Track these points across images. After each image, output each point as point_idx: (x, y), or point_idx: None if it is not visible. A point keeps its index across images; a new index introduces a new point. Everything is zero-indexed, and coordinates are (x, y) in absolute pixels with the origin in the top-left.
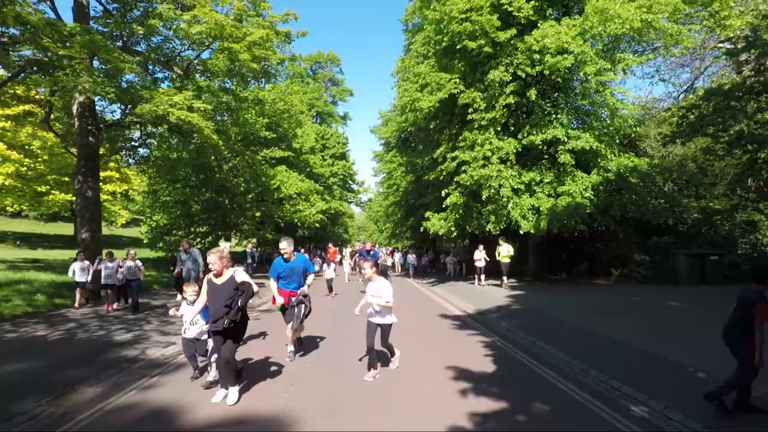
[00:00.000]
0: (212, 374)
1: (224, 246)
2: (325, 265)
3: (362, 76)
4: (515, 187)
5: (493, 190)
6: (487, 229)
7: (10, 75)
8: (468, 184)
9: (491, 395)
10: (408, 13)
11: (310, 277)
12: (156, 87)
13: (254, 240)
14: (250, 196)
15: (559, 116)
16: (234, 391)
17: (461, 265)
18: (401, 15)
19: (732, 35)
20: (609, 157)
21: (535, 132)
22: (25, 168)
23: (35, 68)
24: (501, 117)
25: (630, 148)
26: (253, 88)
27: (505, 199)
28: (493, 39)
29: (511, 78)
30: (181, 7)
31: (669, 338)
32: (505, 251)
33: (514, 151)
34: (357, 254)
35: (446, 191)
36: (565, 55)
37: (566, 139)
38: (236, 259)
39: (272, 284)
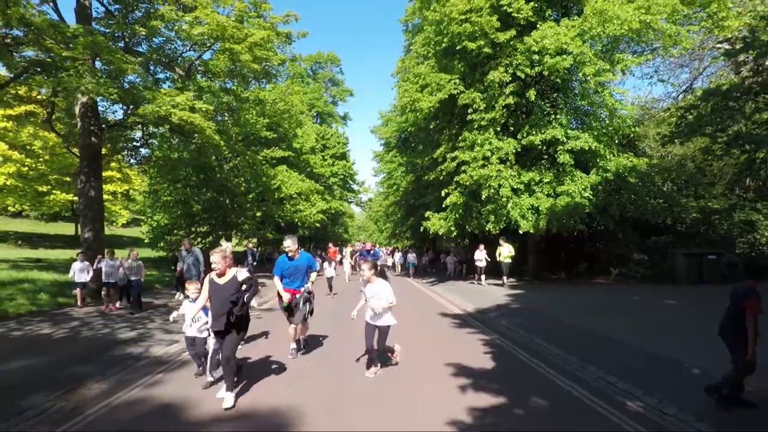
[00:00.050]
0: (210, 375)
1: (226, 246)
2: (325, 264)
3: (362, 76)
4: (515, 186)
5: (492, 190)
6: (487, 229)
7: (12, 76)
8: (468, 184)
9: (490, 391)
10: (408, 14)
11: (313, 275)
12: (158, 88)
13: (254, 240)
14: (250, 195)
15: (558, 116)
16: (230, 396)
17: (462, 265)
18: (401, 15)
19: (730, 36)
20: (608, 157)
21: (534, 132)
22: (26, 168)
23: (39, 69)
24: (500, 117)
25: (629, 148)
26: (253, 89)
27: (504, 199)
28: (492, 40)
29: (510, 78)
30: (183, 8)
31: (666, 337)
32: (506, 251)
33: (514, 151)
34: (357, 253)
35: (446, 191)
36: (564, 56)
37: (565, 140)
38: (237, 259)
39: (277, 282)
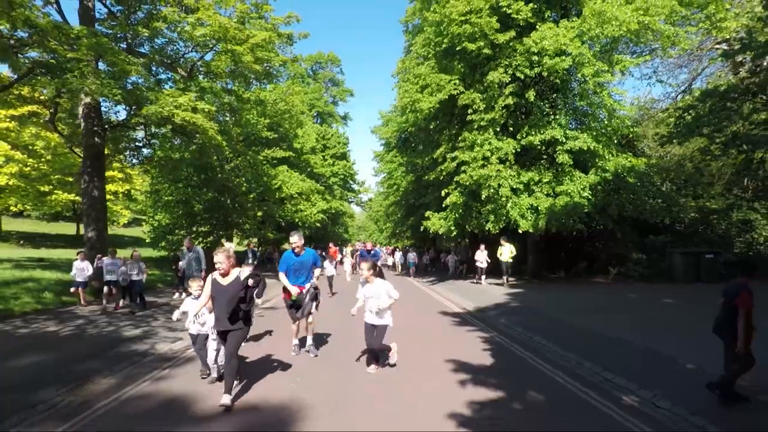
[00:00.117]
0: (214, 372)
1: (229, 246)
2: (326, 263)
3: (363, 76)
4: (514, 186)
5: (492, 190)
6: (487, 229)
7: (17, 77)
8: (467, 183)
9: (489, 386)
10: (408, 15)
11: (317, 271)
12: (160, 88)
13: (255, 239)
14: (251, 195)
15: (557, 117)
16: (228, 397)
17: (463, 265)
18: (401, 16)
19: (728, 37)
20: (607, 157)
21: (533, 132)
22: (28, 168)
23: (43, 70)
24: (500, 118)
25: (628, 148)
26: (254, 89)
27: (504, 199)
28: (492, 41)
29: (510, 79)
30: (185, 10)
31: (663, 335)
32: (507, 251)
33: (513, 151)
34: (358, 253)
35: (446, 191)
36: (564, 57)
37: (564, 140)
38: (238, 258)
39: (283, 278)
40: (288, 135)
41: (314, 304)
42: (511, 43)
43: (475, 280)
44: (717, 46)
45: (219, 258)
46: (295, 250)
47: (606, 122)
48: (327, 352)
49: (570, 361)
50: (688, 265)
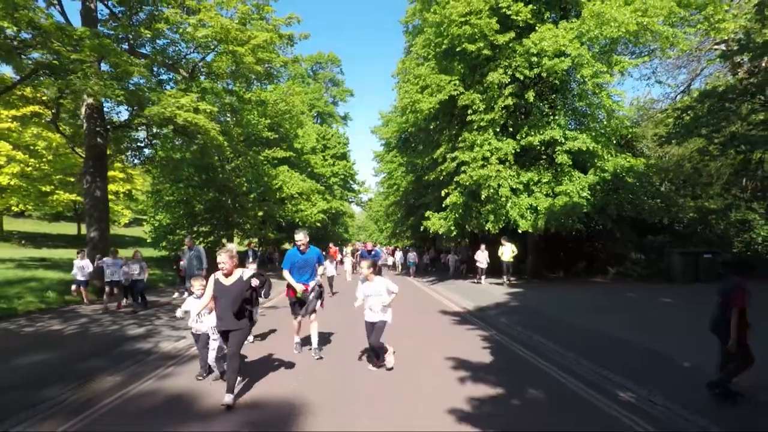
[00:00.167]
0: (216, 369)
1: (232, 246)
2: (327, 262)
3: (363, 76)
4: (514, 186)
5: (492, 190)
6: (486, 229)
7: (19, 78)
8: (467, 184)
9: (489, 383)
10: (408, 15)
11: (321, 269)
12: (162, 89)
13: (255, 239)
14: (252, 195)
15: (556, 117)
16: (230, 396)
17: (463, 265)
18: (402, 16)
19: (727, 38)
20: (606, 157)
21: (533, 133)
22: (30, 168)
23: (47, 72)
24: (500, 118)
25: (627, 148)
26: (255, 89)
27: (503, 199)
28: (492, 42)
29: (509, 80)
30: (187, 11)
31: (661, 334)
32: (508, 251)
33: (513, 151)
34: (358, 253)
35: (446, 191)
36: (563, 58)
37: (563, 140)
38: (240, 259)
39: (287, 275)
40: (288, 135)
41: (318, 301)
42: (510, 44)
43: (475, 280)
44: (716, 46)
45: (222, 258)
46: (300, 248)
47: (605, 123)
48: (328, 351)
49: (569, 359)
50: (687, 264)
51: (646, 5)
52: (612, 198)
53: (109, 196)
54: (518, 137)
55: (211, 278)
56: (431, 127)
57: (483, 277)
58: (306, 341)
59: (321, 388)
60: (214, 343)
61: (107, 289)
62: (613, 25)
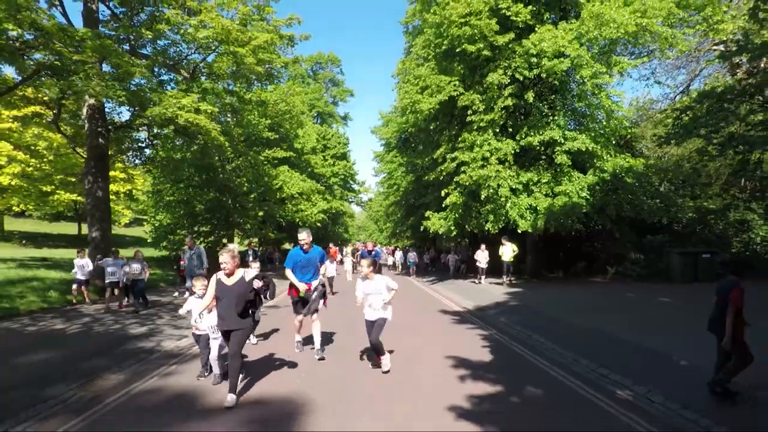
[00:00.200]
0: (217, 369)
1: (233, 246)
2: (327, 262)
3: (363, 77)
4: (513, 187)
5: (491, 190)
6: (486, 228)
7: (21, 78)
8: (467, 184)
9: (488, 380)
10: (408, 16)
11: (323, 268)
12: (162, 89)
13: (256, 239)
14: (252, 195)
15: (556, 118)
16: (232, 396)
17: (463, 265)
18: (402, 16)
19: (725, 38)
20: (605, 157)
21: (532, 133)
22: (31, 168)
23: (49, 72)
24: (499, 119)
25: (627, 148)
26: (255, 90)
27: (503, 199)
28: (491, 43)
29: (509, 81)
30: (188, 12)
31: (660, 333)
32: (509, 251)
33: (512, 152)
34: (359, 253)
35: (446, 191)
36: (562, 59)
37: (563, 141)
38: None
39: (290, 274)
40: (289, 135)
41: (322, 301)
42: (510, 45)
43: (475, 280)
44: (715, 47)
45: (224, 258)
46: (304, 247)
47: (604, 123)
48: (329, 350)
49: (567, 358)
50: (686, 264)
51: (645, 6)
52: (611, 198)
53: (110, 196)
54: (518, 138)
55: (213, 278)
56: (431, 127)
57: (483, 276)
58: (308, 341)
59: (322, 387)
60: (215, 342)
61: (108, 290)
62: (612, 26)
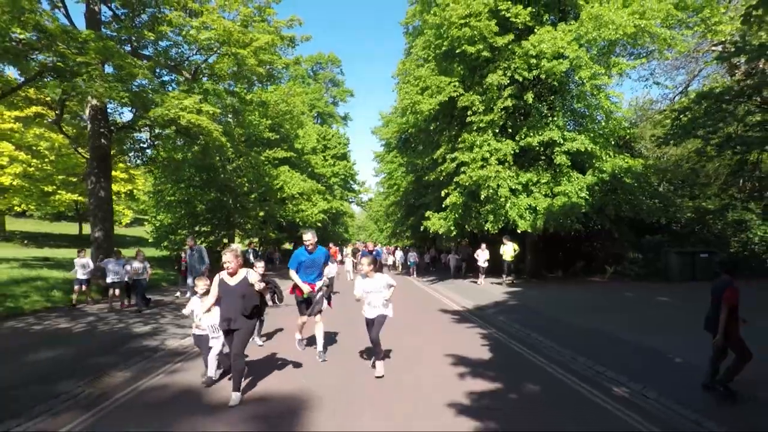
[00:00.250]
0: (211, 371)
1: (236, 246)
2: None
3: (363, 77)
4: (513, 187)
5: (491, 191)
6: (486, 228)
7: (24, 79)
8: (467, 184)
9: (487, 378)
10: (408, 17)
11: (327, 268)
12: (164, 91)
13: (256, 239)
14: (253, 196)
15: (555, 119)
16: (237, 395)
17: (464, 264)
18: (402, 17)
19: (724, 39)
20: (604, 158)
21: (532, 134)
22: (32, 168)
23: (52, 73)
24: (499, 119)
25: (626, 149)
26: (256, 90)
27: (503, 199)
28: (491, 44)
29: (508, 81)
30: (189, 13)
31: (658, 332)
32: (509, 250)
33: (512, 152)
34: (359, 253)
35: (446, 191)
36: (561, 60)
37: (562, 141)
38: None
39: (293, 275)
40: (289, 135)
41: (326, 301)
42: (509, 46)
43: (475, 280)
44: (713, 48)
45: (227, 258)
46: (308, 248)
47: (603, 124)
48: (330, 350)
49: (565, 356)
50: (684, 264)
51: (644, 8)
52: (610, 198)
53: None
54: (517, 138)
55: (216, 278)
56: (431, 127)
57: (483, 276)
58: (311, 341)
59: (323, 386)
60: (215, 341)
61: (111, 290)
62: (611, 28)
